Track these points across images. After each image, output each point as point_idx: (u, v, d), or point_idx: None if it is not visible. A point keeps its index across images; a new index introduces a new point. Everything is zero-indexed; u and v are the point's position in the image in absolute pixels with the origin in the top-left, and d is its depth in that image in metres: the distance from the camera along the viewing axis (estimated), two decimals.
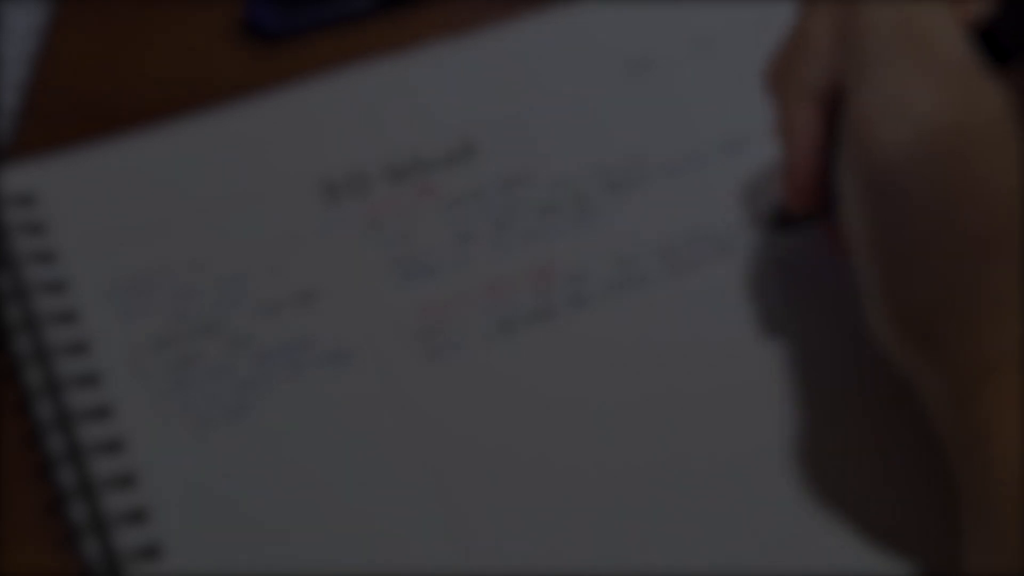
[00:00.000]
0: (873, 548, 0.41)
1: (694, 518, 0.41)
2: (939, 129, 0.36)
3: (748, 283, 0.46)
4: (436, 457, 0.42)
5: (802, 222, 0.43)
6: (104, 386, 0.43)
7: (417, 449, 0.42)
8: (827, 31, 0.40)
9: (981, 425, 0.36)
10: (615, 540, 0.41)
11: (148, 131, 0.48)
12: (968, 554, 0.36)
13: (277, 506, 0.42)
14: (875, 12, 0.38)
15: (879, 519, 0.41)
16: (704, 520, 0.41)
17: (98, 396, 0.43)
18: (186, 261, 0.46)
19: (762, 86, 0.42)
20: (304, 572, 0.41)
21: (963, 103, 0.36)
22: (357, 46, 0.51)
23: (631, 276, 0.46)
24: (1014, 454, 0.35)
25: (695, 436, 0.43)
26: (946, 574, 0.40)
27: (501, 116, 0.49)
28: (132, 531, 0.41)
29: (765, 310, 0.45)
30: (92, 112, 0.50)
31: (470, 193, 0.47)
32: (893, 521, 0.41)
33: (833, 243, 0.41)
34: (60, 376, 0.43)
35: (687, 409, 0.43)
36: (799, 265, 0.46)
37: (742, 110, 0.49)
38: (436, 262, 0.46)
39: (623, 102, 0.50)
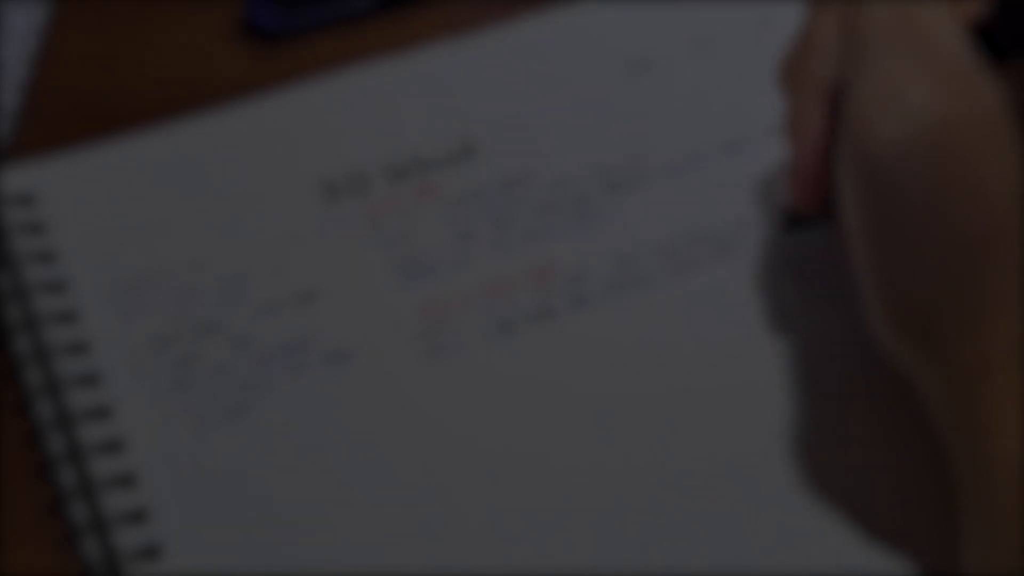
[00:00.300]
0: (874, 548, 0.41)
1: (694, 518, 0.41)
2: (936, 125, 0.36)
3: (748, 283, 0.46)
4: (436, 457, 0.42)
5: (812, 222, 0.43)
6: (104, 386, 0.43)
7: (417, 449, 0.42)
8: (833, 29, 0.40)
9: (981, 424, 0.36)
10: (615, 540, 0.41)
11: (148, 131, 0.48)
12: (968, 554, 0.36)
13: (277, 506, 0.42)
14: (875, 9, 0.38)
15: (880, 519, 0.41)
16: (704, 520, 0.41)
17: (98, 396, 0.43)
18: (186, 261, 0.46)
19: (770, 84, 0.42)
20: (304, 572, 0.41)
21: (961, 99, 0.36)
22: (357, 46, 0.51)
23: (631, 276, 0.46)
24: (1014, 454, 0.35)
25: (695, 436, 0.43)
26: (946, 574, 0.40)
27: (501, 116, 0.49)
28: (132, 531, 0.41)
29: (765, 310, 0.45)
30: (92, 112, 0.50)
31: (470, 193, 0.47)
32: (894, 521, 0.41)
33: (841, 243, 0.41)
34: (60, 376, 0.43)
35: (687, 409, 0.43)
36: (799, 265, 0.46)
37: (742, 110, 0.49)
38: (436, 262, 0.46)
39: (623, 102, 0.50)
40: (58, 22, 0.52)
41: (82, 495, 0.41)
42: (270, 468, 0.42)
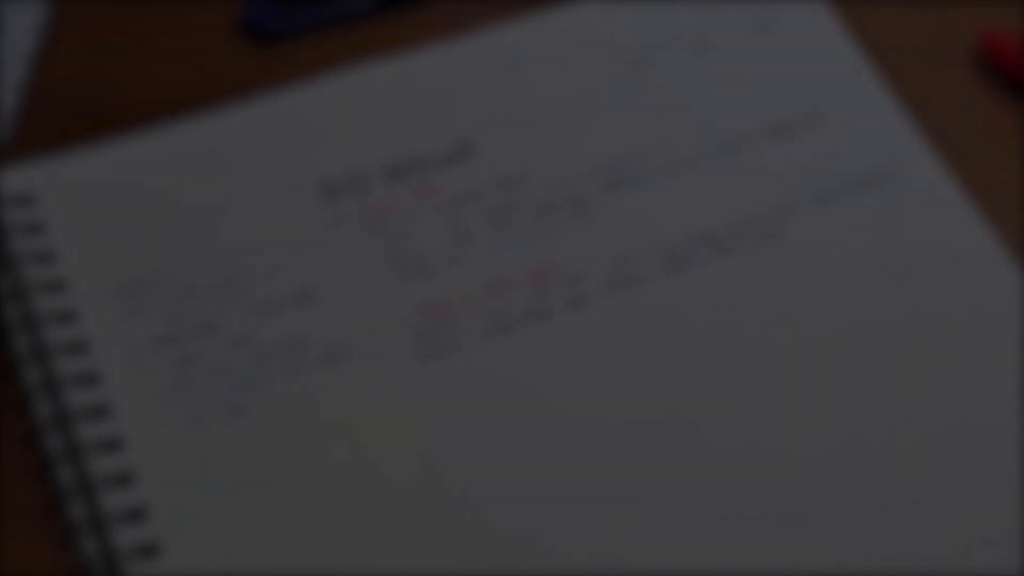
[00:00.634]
0: (874, 547, 0.41)
1: (694, 518, 0.41)
2: None
3: (748, 283, 0.46)
4: (434, 457, 0.42)
5: None
6: (103, 385, 0.43)
7: (415, 449, 0.42)
8: None
9: None
10: (615, 540, 0.41)
11: (148, 131, 0.49)
12: None
13: (275, 505, 0.42)
14: None
15: (880, 519, 0.41)
16: (704, 521, 0.41)
17: (97, 395, 0.43)
18: (185, 261, 0.46)
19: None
20: (303, 571, 0.41)
21: None
22: (357, 46, 0.51)
23: (630, 276, 0.46)
24: None
25: (694, 436, 0.43)
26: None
27: (500, 116, 0.49)
28: (131, 530, 0.41)
29: (765, 310, 0.45)
30: (92, 112, 0.50)
31: (469, 193, 0.47)
32: (893, 520, 0.41)
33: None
34: (59, 375, 0.43)
35: (686, 409, 0.43)
36: (799, 265, 0.46)
37: (742, 110, 0.49)
38: (434, 262, 0.46)
39: (623, 102, 0.50)
40: (58, 22, 0.52)
41: (81, 494, 0.42)
42: (268, 467, 0.42)
